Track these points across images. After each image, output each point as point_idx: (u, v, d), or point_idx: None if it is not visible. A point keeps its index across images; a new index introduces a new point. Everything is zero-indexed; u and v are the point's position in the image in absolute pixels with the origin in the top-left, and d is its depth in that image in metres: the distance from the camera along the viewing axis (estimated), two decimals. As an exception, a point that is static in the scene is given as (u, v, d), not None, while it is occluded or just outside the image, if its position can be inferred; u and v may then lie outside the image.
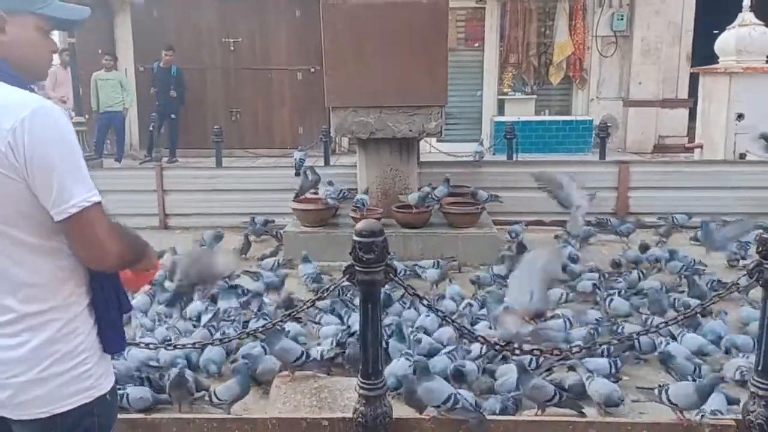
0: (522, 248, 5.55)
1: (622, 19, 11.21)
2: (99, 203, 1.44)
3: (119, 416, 2.41)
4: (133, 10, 11.54)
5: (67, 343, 1.49)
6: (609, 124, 8.77)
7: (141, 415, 2.92)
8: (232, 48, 11.68)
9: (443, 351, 3.49)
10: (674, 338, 3.73)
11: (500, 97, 11.63)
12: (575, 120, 11.20)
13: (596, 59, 11.53)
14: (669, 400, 2.89)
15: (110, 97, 10.28)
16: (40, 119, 1.38)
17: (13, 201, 1.40)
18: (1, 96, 1.41)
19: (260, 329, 2.92)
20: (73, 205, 1.39)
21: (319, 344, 3.60)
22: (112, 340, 1.60)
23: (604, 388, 3.05)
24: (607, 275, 4.90)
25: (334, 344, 3.40)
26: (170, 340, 3.63)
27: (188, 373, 3.27)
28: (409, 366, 3.08)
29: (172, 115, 10.62)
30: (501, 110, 11.59)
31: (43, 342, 1.46)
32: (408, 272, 5.01)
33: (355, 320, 3.94)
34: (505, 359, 3.47)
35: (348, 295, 4.38)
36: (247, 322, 3.98)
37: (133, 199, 7.15)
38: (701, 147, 9.32)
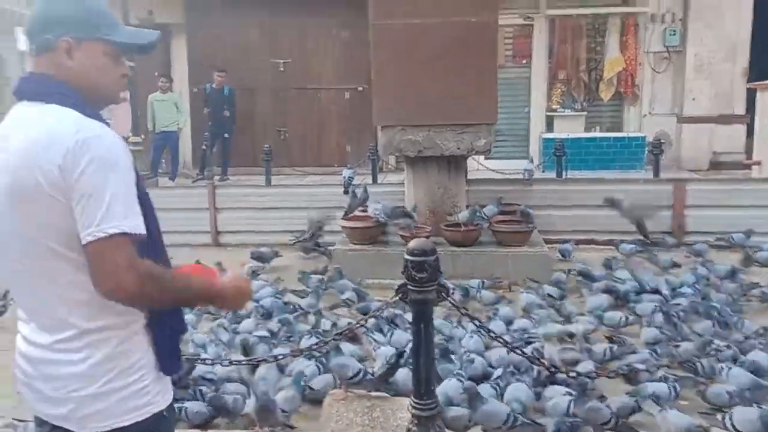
0: (588, 277, 5.23)
1: (674, 35, 10.99)
2: (122, 234, 1.39)
3: (177, 430, 2.46)
4: (188, 34, 11.90)
5: (125, 360, 1.51)
6: (662, 141, 8.57)
7: (198, 431, 2.97)
8: (281, 68, 11.91)
9: (492, 378, 3.44)
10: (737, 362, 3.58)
11: (549, 113, 11.51)
12: (627, 137, 10.99)
13: (648, 75, 11.32)
14: (734, 427, 2.79)
15: (166, 117, 10.61)
16: (91, 145, 1.39)
17: (62, 222, 1.42)
18: (57, 119, 1.44)
19: (313, 347, 2.94)
20: (89, 233, 1.38)
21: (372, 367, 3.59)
22: (168, 361, 1.61)
23: (681, 422, 2.89)
24: (669, 297, 4.75)
25: (387, 363, 3.38)
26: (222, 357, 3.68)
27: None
28: (462, 391, 3.05)
29: (226, 135, 10.86)
30: (549, 127, 11.47)
31: (102, 358, 1.49)
32: (453, 291, 4.97)
33: (398, 339, 3.96)
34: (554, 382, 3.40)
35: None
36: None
37: (187, 216, 7.34)
38: (759, 164, 9.00)
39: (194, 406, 3.12)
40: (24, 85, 1.53)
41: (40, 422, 1.60)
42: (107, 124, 1.52)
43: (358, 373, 3.25)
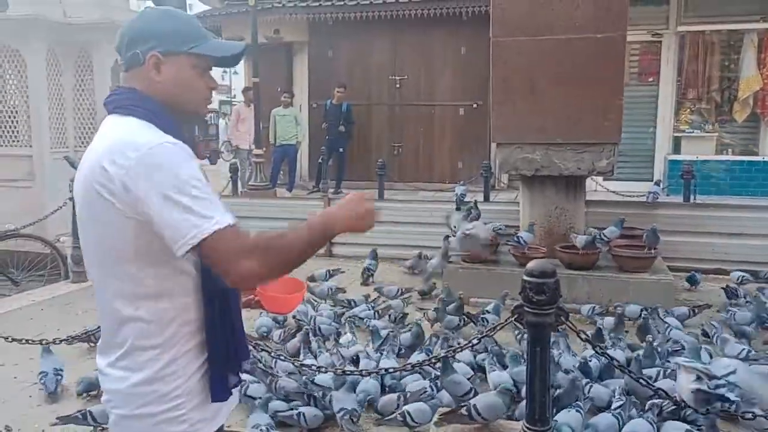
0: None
1: (822, 51, 10.09)
2: (218, 231, 1.35)
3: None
4: (310, 52, 12.35)
5: (165, 385, 1.48)
6: (805, 166, 7.87)
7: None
8: (398, 85, 12.07)
9: (613, 407, 3.26)
10: None
11: (676, 134, 10.88)
12: (763, 161, 10.19)
13: (790, 95, 10.44)
14: None
15: (286, 131, 11.07)
16: (154, 158, 1.38)
17: (129, 238, 1.42)
18: (125, 131, 1.44)
19: (425, 363, 2.92)
20: (193, 236, 1.35)
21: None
22: (215, 388, 1.55)
23: None
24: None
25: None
26: (334, 366, 3.74)
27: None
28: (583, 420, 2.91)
29: (341, 149, 11.15)
30: (677, 148, 10.84)
31: (141, 380, 1.48)
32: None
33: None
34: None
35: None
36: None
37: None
38: None
39: (311, 411, 3.20)
40: (110, 99, 1.56)
41: None
42: (181, 136, 1.48)
43: (469, 392, 3.19)
